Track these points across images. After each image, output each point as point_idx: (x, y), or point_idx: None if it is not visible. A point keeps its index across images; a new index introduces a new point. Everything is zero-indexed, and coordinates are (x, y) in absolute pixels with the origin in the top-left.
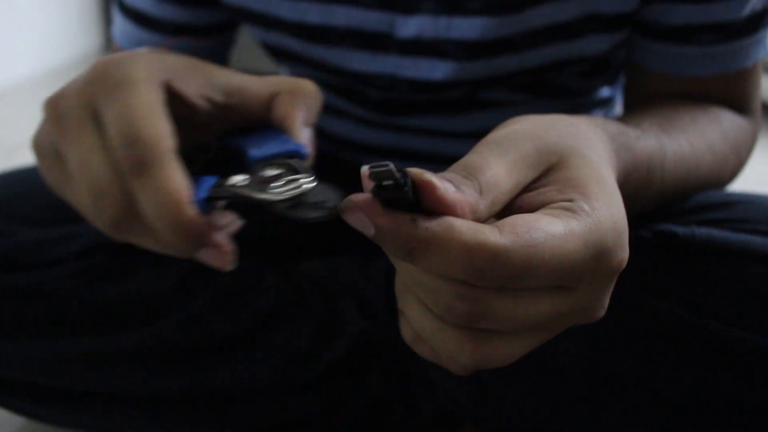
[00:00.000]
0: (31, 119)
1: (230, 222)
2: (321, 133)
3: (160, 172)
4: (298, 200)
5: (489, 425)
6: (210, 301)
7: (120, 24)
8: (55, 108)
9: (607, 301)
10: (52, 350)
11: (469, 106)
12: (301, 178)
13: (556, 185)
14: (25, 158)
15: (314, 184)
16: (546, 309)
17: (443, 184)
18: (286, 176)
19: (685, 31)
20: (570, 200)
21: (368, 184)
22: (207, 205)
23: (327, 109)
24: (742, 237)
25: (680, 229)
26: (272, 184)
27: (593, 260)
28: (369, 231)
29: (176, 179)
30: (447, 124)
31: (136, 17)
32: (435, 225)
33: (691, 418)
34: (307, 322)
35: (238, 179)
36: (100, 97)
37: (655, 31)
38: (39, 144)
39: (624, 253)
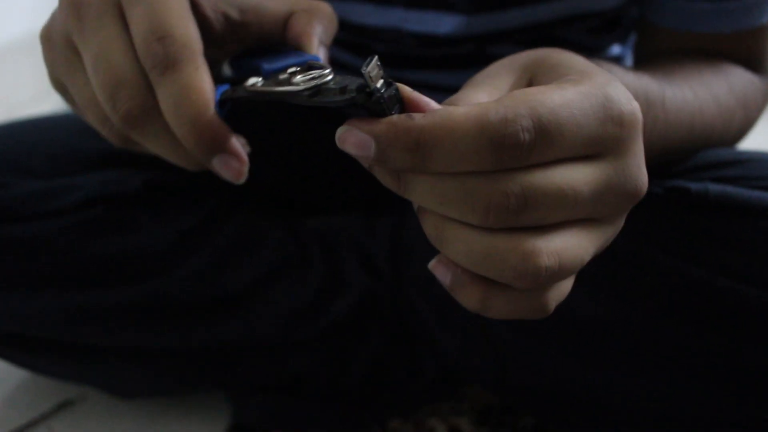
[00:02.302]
0: (31, 76)
1: (243, 144)
2: None
3: (189, 70)
4: (319, 88)
5: (494, 383)
6: (212, 257)
7: None
8: None
9: (644, 166)
10: (52, 303)
11: (477, 62)
12: (320, 72)
13: (550, 71)
14: (27, 115)
15: (333, 74)
16: (582, 179)
17: (418, 94)
18: (303, 72)
19: None
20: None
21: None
22: (221, 110)
23: (333, 65)
24: (757, 194)
25: (693, 185)
26: (292, 79)
27: (602, 109)
28: (369, 151)
29: (204, 79)
30: (455, 79)
31: None
32: (432, 112)
33: (699, 374)
34: (311, 279)
35: (254, 80)
36: None
37: None
38: (49, 32)
39: (633, 102)
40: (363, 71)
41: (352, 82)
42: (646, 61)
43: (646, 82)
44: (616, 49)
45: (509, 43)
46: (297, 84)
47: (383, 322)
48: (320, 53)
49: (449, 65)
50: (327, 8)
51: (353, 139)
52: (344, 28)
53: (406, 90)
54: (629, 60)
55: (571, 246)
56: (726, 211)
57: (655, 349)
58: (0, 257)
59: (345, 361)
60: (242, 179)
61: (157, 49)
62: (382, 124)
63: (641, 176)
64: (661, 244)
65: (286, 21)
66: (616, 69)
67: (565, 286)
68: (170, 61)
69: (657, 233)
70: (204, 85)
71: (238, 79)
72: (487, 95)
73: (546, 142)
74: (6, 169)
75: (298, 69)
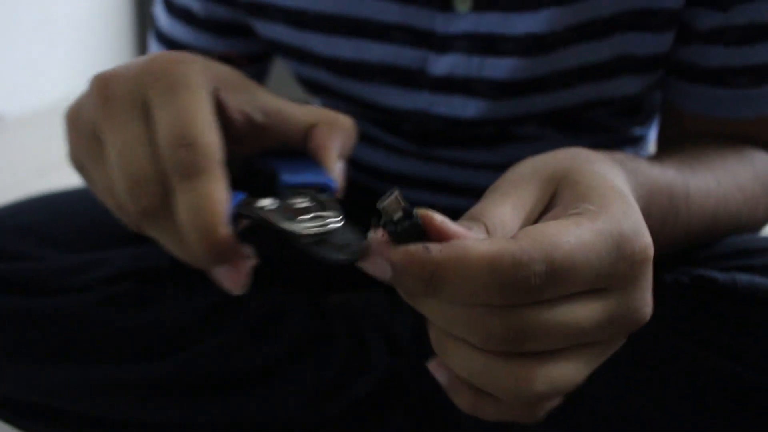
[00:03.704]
0: (61, 141)
1: (248, 255)
2: (351, 161)
3: (208, 181)
4: (322, 238)
5: None
6: (237, 333)
7: (155, 51)
8: (105, 87)
9: (649, 298)
10: (74, 376)
11: (502, 140)
12: (329, 217)
13: (564, 205)
14: (58, 179)
15: (341, 224)
16: (587, 315)
17: (443, 217)
18: (315, 211)
19: (722, 74)
20: (578, 209)
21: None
22: (232, 221)
23: (359, 138)
24: None
25: (720, 276)
26: (300, 217)
27: (615, 249)
28: (387, 273)
29: (221, 192)
30: (479, 156)
31: (172, 46)
32: (450, 245)
33: None
34: (334, 356)
35: (267, 202)
36: (154, 91)
37: (691, 73)
38: (76, 116)
39: (645, 241)
40: (379, 206)
41: (355, 242)
42: (669, 144)
43: (671, 177)
44: (638, 131)
45: (533, 124)
46: (303, 228)
47: (407, 401)
48: (336, 169)
49: (474, 142)
50: (348, 123)
51: (372, 261)
52: (371, 108)
53: (430, 218)
54: (652, 140)
55: (567, 372)
56: (754, 301)
57: None
58: (27, 329)
59: None
60: (239, 292)
61: (180, 155)
62: (400, 254)
63: (645, 307)
64: (687, 333)
65: (308, 130)
66: (641, 166)
67: (557, 399)
68: (191, 170)
69: (683, 322)
70: (220, 198)
71: (254, 182)
72: (511, 208)
73: (556, 284)
74: (37, 241)
75: (311, 204)
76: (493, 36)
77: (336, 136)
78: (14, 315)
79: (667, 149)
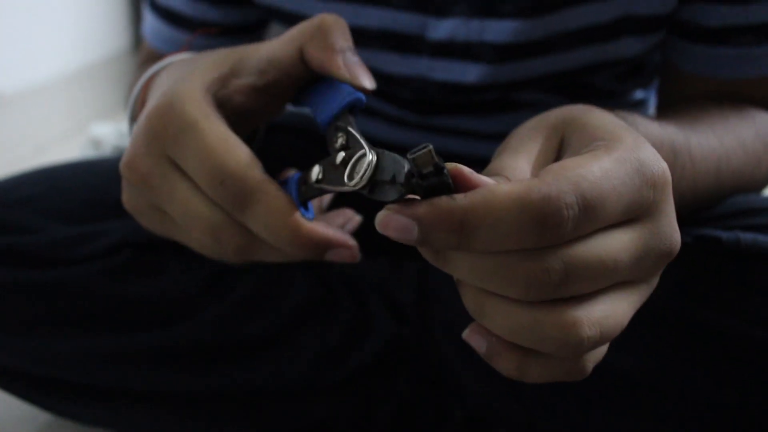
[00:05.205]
0: (59, 118)
1: (349, 219)
2: None
3: (261, 202)
4: (373, 181)
5: (521, 430)
6: (239, 301)
7: (151, 22)
8: (136, 171)
9: (676, 224)
10: (79, 347)
11: (503, 108)
12: (364, 155)
13: (572, 149)
14: (54, 155)
15: (376, 158)
16: (623, 247)
17: (471, 171)
18: (351, 155)
19: (723, 33)
20: (590, 147)
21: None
22: (307, 210)
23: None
24: None
25: (724, 235)
26: (346, 172)
27: (637, 174)
28: (412, 234)
29: (279, 204)
30: (480, 124)
31: (168, 16)
32: (476, 191)
33: (734, 427)
34: (337, 323)
35: (315, 172)
36: (171, 148)
37: (693, 32)
38: (133, 206)
39: (663, 164)
40: (409, 157)
41: (399, 171)
42: (670, 106)
43: (672, 132)
44: (639, 94)
45: (534, 89)
46: (355, 183)
47: (410, 366)
48: (351, 76)
49: (474, 110)
50: (327, 21)
51: (395, 224)
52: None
53: (460, 170)
54: (653, 104)
55: (612, 313)
56: (758, 260)
57: (689, 401)
58: (29, 301)
59: (371, 406)
60: (357, 260)
61: (223, 194)
62: (424, 207)
63: (675, 234)
64: (692, 294)
65: (302, 59)
66: (640, 120)
67: (603, 348)
68: (240, 200)
69: (687, 283)
70: (281, 210)
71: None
72: (527, 161)
73: (588, 217)
74: (40, 214)
75: (346, 147)
76: None
77: (327, 47)
78: (17, 287)
79: (668, 111)
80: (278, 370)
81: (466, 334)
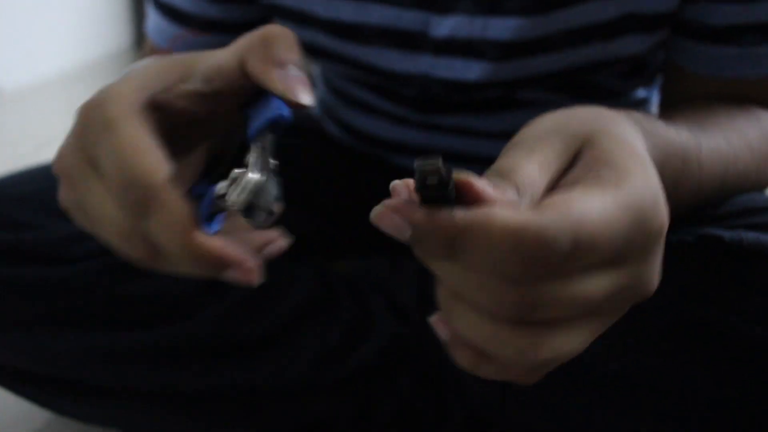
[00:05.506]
0: (60, 115)
1: (271, 240)
2: (354, 131)
3: (159, 212)
4: (250, 204)
5: (520, 430)
6: (240, 300)
7: (154, 19)
8: (61, 168)
9: (658, 269)
10: (78, 345)
11: (505, 106)
12: (248, 176)
13: (585, 166)
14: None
15: (256, 182)
16: (600, 287)
17: (481, 182)
18: (244, 174)
19: (727, 32)
20: (599, 174)
21: (401, 192)
22: (212, 225)
23: (360, 106)
24: None
25: (726, 234)
26: (231, 189)
27: (635, 224)
28: (404, 233)
29: (176, 215)
30: (482, 123)
31: (170, 12)
32: (474, 213)
33: (734, 426)
34: (338, 322)
35: (222, 187)
36: (91, 147)
37: (697, 31)
38: (63, 203)
39: (663, 215)
40: (416, 165)
41: (272, 194)
42: (673, 105)
43: (685, 138)
44: (642, 92)
45: (537, 88)
46: (233, 202)
47: (410, 365)
48: (283, 88)
49: (477, 109)
50: (272, 31)
51: (389, 222)
52: (371, 72)
53: (470, 185)
54: (655, 102)
55: (572, 340)
56: (761, 259)
57: (689, 400)
58: (29, 298)
59: (372, 405)
60: (256, 283)
61: (127, 199)
62: (422, 215)
63: (654, 279)
64: (694, 292)
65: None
66: (658, 126)
67: (557, 364)
68: (141, 208)
69: (689, 282)
70: (178, 218)
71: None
72: (539, 167)
73: (575, 260)
74: (41, 210)
75: (246, 169)
76: None
77: (265, 57)
78: (16, 284)
79: (675, 110)
80: (278, 370)
81: (433, 319)
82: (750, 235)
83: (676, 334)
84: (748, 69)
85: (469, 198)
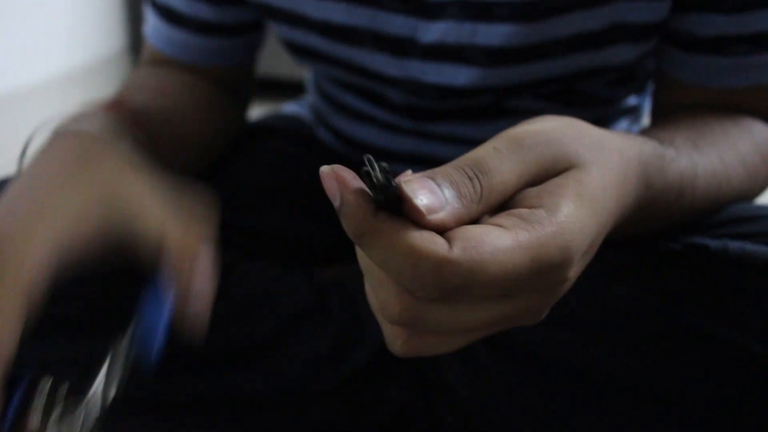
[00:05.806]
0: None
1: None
2: (345, 138)
3: None
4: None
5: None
6: (230, 307)
7: (152, 22)
8: None
9: (551, 305)
10: (73, 350)
11: (495, 114)
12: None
13: (544, 188)
14: None
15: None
16: (484, 317)
17: (416, 190)
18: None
19: (717, 42)
20: (536, 207)
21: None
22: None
23: (351, 113)
24: None
25: (712, 243)
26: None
27: (537, 274)
28: (335, 201)
29: None
30: (472, 131)
31: (167, 15)
32: (391, 220)
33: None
34: (330, 328)
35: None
36: None
37: (686, 42)
38: None
39: (570, 273)
40: (362, 171)
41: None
42: (664, 114)
43: (683, 168)
44: (633, 100)
45: (527, 95)
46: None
47: (402, 372)
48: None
49: (466, 116)
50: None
51: (327, 183)
52: (361, 74)
53: (406, 196)
54: (647, 110)
55: (440, 347)
56: (746, 268)
57: (677, 405)
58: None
59: (364, 412)
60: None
61: None
62: (353, 196)
63: (543, 313)
64: (680, 300)
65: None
66: (663, 160)
67: (455, 343)
68: None
69: (676, 289)
70: None
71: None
72: (517, 177)
73: (466, 294)
74: None
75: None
76: (485, 2)
77: (180, 267)
78: None
79: (669, 121)
80: (270, 377)
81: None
82: (735, 245)
83: (662, 340)
84: (739, 78)
85: (405, 207)
